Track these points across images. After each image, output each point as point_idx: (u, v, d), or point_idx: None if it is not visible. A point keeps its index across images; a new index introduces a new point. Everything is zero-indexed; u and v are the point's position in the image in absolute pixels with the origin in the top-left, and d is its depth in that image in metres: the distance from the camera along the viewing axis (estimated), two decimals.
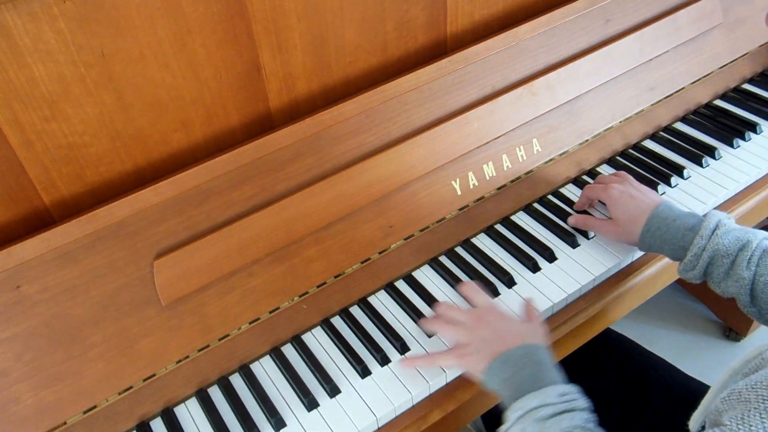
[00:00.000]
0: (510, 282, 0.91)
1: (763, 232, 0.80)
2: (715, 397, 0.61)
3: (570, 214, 1.00)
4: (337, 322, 0.89)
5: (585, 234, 0.97)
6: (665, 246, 0.85)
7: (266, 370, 0.84)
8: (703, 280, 0.83)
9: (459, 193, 0.97)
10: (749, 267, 0.77)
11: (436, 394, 0.81)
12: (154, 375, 0.80)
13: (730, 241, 0.79)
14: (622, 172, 0.98)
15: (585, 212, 1.00)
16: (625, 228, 0.90)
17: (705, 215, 0.83)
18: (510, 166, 1.01)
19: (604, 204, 0.95)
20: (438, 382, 0.81)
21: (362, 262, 0.91)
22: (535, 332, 0.78)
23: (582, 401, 0.69)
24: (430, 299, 0.89)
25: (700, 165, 1.08)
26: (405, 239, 0.94)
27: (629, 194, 0.91)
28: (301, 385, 0.81)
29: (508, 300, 0.89)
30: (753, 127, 1.14)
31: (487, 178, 0.99)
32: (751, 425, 0.52)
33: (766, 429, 0.51)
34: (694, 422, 0.66)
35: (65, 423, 0.76)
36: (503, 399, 0.72)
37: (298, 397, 0.80)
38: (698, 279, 0.83)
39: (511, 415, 0.68)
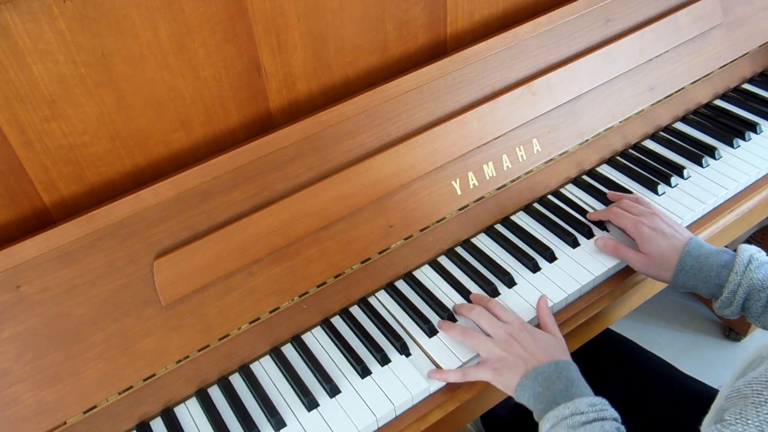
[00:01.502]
0: (510, 282, 0.91)
1: None
2: (720, 399, 0.62)
3: (570, 214, 1.00)
4: (337, 322, 0.89)
5: (585, 234, 0.97)
6: (700, 284, 0.85)
7: (266, 370, 0.84)
8: (741, 315, 0.84)
9: (459, 193, 0.97)
10: None
11: (436, 394, 0.81)
12: (154, 375, 0.80)
13: (764, 275, 0.80)
14: (646, 201, 0.96)
15: (605, 229, 0.98)
16: (657, 264, 0.88)
17: (736, 251, 0.83)
18: (510, 166, 1.01)
19: (628, 234, 0.93)
20: (438, 382, 0.81)
21: (362, 262, 0.91)
22: (562, 347, 0.81)
23: (612, 411, 0.71)
24: (430, 299, 0.89)
25: (700, 165, 1.08)
26: (405, 239, 0.94)
27: (662, 231, 0.88)
28: (301, 385, 0.81)
29: (509, 300, 0.89)
30: (753, 127, 1.14)
31: (487, 178, 0.99)
32: (747, 419, 0.54)
33: (761, 420, 0.53)
34: (705, 426, 0.66)
35: (65, 423, 0.76)
36: (535, 412, 0.74)
37: (298, 397, 0.80)
38: (736, 315, 0.83)
39: (544, 425, 0.71)
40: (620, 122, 1.11)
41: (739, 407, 0.56)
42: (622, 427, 0.70)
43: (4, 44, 0.65)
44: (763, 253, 0.83)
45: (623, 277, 0.94)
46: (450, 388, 0.82)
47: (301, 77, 0.89)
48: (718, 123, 1.16)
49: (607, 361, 1.02)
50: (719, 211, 1.03)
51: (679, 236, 0.88)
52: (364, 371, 0.82)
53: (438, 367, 0.82)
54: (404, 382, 0.80)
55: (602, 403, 0.72)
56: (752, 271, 0.80)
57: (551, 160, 1.05)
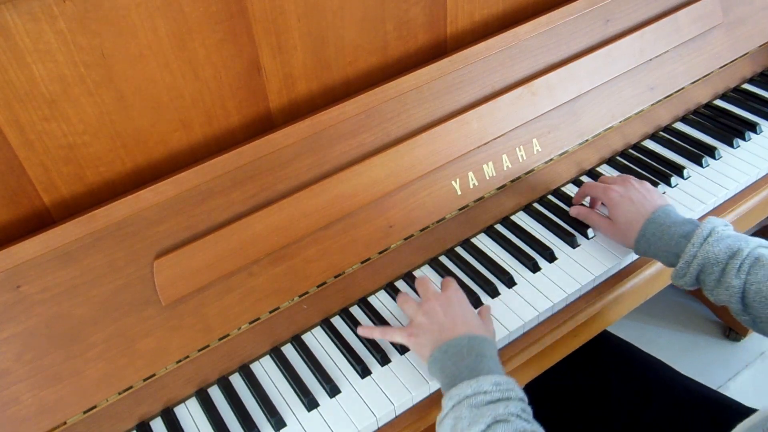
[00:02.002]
0: (510, 282, 0.91)
1: (757, 240, 0.80)
2: None
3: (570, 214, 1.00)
4: (337, 322, 0.89)
5: (585, 234, 0.97)
6: (659, 252, 0.85)
7: (266, 370, 0.84)
8: (697, 287, 0.83)
9: (459, 193, 0.97)
10: (739, 275, 0.77)
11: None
12: (154, 375, 0.80)
13: (720, 249, 0.79)
14: (625, 175, 0.98)
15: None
16: (623, 230, 0.90)
17: (701, 222, 0.83)
18: (510, 166, 1.01)
19: (604, 205, 0.95)
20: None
21: (362, 262, 0.91)
22: (487, 327, 0.79)
23: (518, 392, 0.68)
24: None
25: (700, 165, 1.08)
26: (405, 239, 0.94)
27: (629, 197, 0.90)
28: (301, 385, 0.81)
29: (509, 300, 0.89)
30: (753, 127, 1.14)
31: (487, 178, 0.99)
32: None
33: None
34: None
35: (65, 423, 0.76)
36: (442, 388, 0.72)
37: (298, 397, 0.80)
38: (691, 286, 0.83)
39: (446, 403, 0.69)
40: (620, 122, 1.11)
41: None
42: (529, 408, 0.68)
43: (4, 44, 0.65)
44: (730, 227, 0.82)
45: (623, 277, 0.94)
46: None
47: (301, 77, 0.89)
48: (718, 123, 1.16)
49: (606, 363, 1.02)
50: (719, 211, 1.02)
51: (648, 204, 0.89)
52: (364, 371, 0.82)
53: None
54: (404, 381, 0.80)
55: (508, 382, 0.68)
56: (710, 244, 0.79)
57: (551, 160, 1.05)
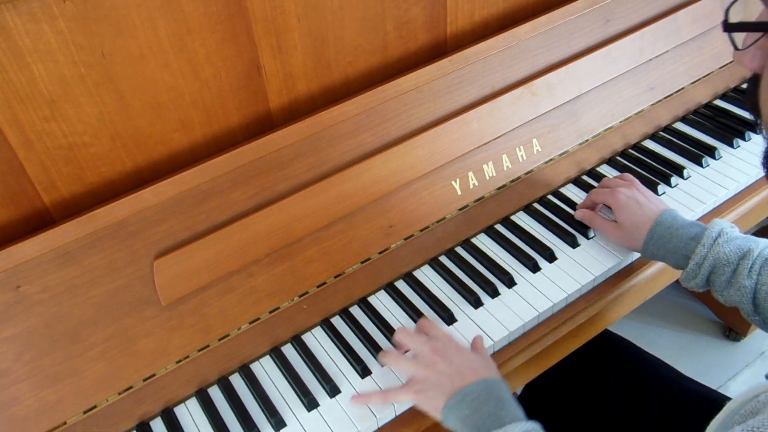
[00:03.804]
0: (510, 282, 0.91)
1: (765, 241, 0.80)
2: None
3: (570, 215, 1.00)
4: (337, 322, 0.89)
5: (585, 234, 0.97)
6: (668, 255, 0.85)
7: (266, 370, 0.84)
8: (706, 288, 0.83)
9: (459, 193, 0.97)
10: (750, 276, 0.77)
11: None
12: (154, 375, 0.80)
13: (731, 250, 0.79)
14: (629, 176, 0.98)
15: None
16: (629, 233, 0.89)
17: (708, 224, 0.83)
18: (510, 166, 1.01)
19: (609, 208, 0.95)
20: None
21: (362, 262, 0.91)
22: (490, 366, 0.75)
23: None
24: (430, 299, 0.89)
25: (700, 165, 1.08)
26: (405, 239, 0.94)
27: (636, 200, 0.90)
28: (301, 385, 0.81)
29: (509, 300, 0.89)
30: (753, 127, 1.14)
31: (487, 178, 0.99)
32: None
33: None
34: None
35: (65, 423, 0.76)
36: None
37: (298, 397, 0.80)
38: (701, 288, 0.83)
39: None
40: (620, 122, 1.11)
41: None
42: None
43: (4, 44, 0.65)
44: (736, 228, 0.82)
45: (623, 277, 0.94)
46: None
47: (301, 77, 0.89)
48: (718, 123, 1.16)
49: (606, 363, 1.02)
50: (719, 211, 1.02)
51: (654, 207, 0.89)
52: (364, 371, 0.82)
53: None
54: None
55: (535, 429, 0.66)
56: (719, 245, 0.79)
57: (551, 160, 1.05)
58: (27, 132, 0.71)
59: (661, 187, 1.04)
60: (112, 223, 0.75)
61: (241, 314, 0.84)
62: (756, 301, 0.77)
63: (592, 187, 1.05)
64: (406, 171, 0.92)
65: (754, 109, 0.55)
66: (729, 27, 0.55)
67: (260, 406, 0.80)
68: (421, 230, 0.95)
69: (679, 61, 1.15)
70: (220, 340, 0.83)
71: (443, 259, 0.95)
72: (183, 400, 0.81)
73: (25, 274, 0.72)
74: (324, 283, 0.89)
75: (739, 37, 0.55)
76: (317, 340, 0.87)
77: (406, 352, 0.80)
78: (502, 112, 0.98)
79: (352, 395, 0.78)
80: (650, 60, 1.11)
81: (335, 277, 0.90)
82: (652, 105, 1.14)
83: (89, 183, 0.79)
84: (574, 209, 1.01)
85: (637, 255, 0.95)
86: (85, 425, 0.77)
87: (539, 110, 1.02)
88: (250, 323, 0.85)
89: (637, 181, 0.95)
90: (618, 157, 1.11)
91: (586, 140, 1.08)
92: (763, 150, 0.58)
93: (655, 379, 0.99)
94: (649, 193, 0.93)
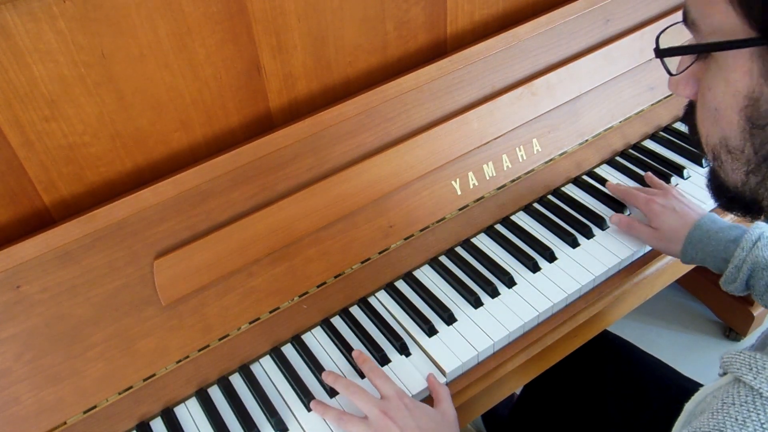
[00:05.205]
0: (510, 282, 0.91)
1: None
2: None
3: (570, 214, 1.00)
4: (337, 322, 0.89)
5: (585, 234, 0.97)
6: (708, 258, 0.85)
7: (266, 370, 0.84)
8: (747, 292, 0.83)
9: (459, 193, 0.97)
10: None
11: None
12: (154, 375, 0.80)
13: None
14: (666, 185, 0.98)
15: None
16: (668, 238, 0.89)
17: (749, 227, 0.83)
18: (510, 166, 1.01)
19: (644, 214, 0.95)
20: (441, 381, 0.81)
21: (362, 262, 0.91)
22: (449, 422, 0.74)
23: None
24: (430, 299, 0.89)
25: (700, 165, 1.08)
26: (405, 239, 0.94)
27: (672, 207, 0.90)
28: (301, 384, 0.81)
29: (509, 300, 0.89)
30: None
31: (487, 178, 0.99)
32: None
33: None
34: None
35: (65, 423, 0.76)
36: None
37: (298, 396, 0.80)
38: (741, 292, 0.83)
39: None
40: (620, 122, 1.11)
41: None
42: None
43: (4, 44, 0.65)
44: None
45: (623, 276, 0.94)
46: (449, 387, 0.81)
47: (301, 77, 0.89)
48: None
49: (604, 364, 1.02)
50: (719, 210, 1.02)
51: (692, 212, 0.89)
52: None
53: (438, 367, 0.82)
54: (403, 381, 0.80)
55: None
56: (759, 249, 0.79)
57: (551, 160, 1.05)
58: (27, 132, 0.71)
59: None
60: (112, 223, 0.75)
61: (241, 314, 0.84)
62: None
63: (592, 187, 1.05)
64: (406, 171, 0.92)
65: (693, 131, 0.54)
66: (660, 53, 0.55)
67: (260, 406, 0.80)
68: (421, 230, 0.95)
69: None
70: (220, 340, 0.83)
71: (443, 259, 0.95)
72: (183, 400, 0.82)
73: (25, 274, 0.72)
74: (324, 283, 0.89)
75: (673, 63, 0.55)
76: (317, 340, 0.87)
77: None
78: (502, 112, 0.98)
79: (312, 401, 0.77)
80: (650, 60, 1.11)
81: (335, 277, 0.90)
82: (652, 105, 1.14)
83: (89, 183, 0.79)
84: (575, 209, 1.01)
85: (637, 255, 0.95)
86: (85, 425, 0.77)
87: (539, 110, 1.02)
88: (250, 323, 0.85)
89: (674, 189, 0.95)
90: (618, 157, 1.11)
91: (586, 140, 1.08)
92: (707, 175, 0.56)
93: (653, 379, 0.99)
94: (687, 199, 0.93)
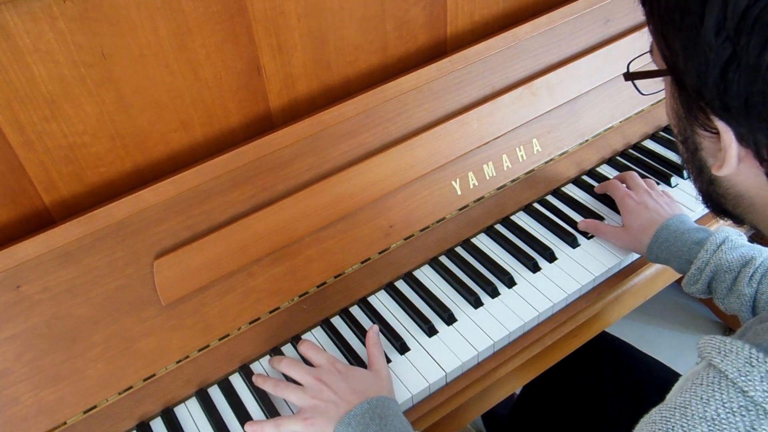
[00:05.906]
0: (510, 282, 0.91)
1: None
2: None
3: (570, 215, 1.00)
4: (337, 322, 0.89)
5: (585, 234, 0.97)
6: (672, 258, 0.85)
7: (266, 370, 0.84)
8: (709, 295, 0.83)
9: (459, 193, 0.97)
10: (751, 284, 0.76)
11: (436, 392, 0.81)
12: (154, 375, 0.80)
13: (734, 257, 0.79)
14: (650, 181, 0.98)
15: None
16: (635, 236, 0.90)
17: (715, 230, 0.83)
18: (510, 166, 1.01)
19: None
20: (438, 383, 0.81)
21: (362, 262, 0.91)
22: (380, 382, 0.76)
23: None
24: (430, 299, 0.89)
25: None
26: (405, 239, 0.94)
27: (644, 204, 0.91)
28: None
29: (509, 300, 0.89)
30: None
31: (487, 178, 0.99)
32: None
33: None
34: None
35: (65, 423, 0.76)
36: None
37: None
38: (702, 294, 0.83)
39: None
40: (620, 122, 1.11)
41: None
42: None
43: (4, 44, 0.65)
44: (744, 237, 0.82)
45: (623, 277, 0.94)
46: (449, 388, 0.82)
47: (301, 77, 0.89)
48: None
49: (603, 365, 1.02)
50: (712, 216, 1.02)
51: (663, 212, 0.90)
52: None
53: (438, 366, 0.82)
54: (404, 381, 0.80)
55: None
56: (723, 252, 0.79)
57: (551, 160, 1.05)
58: (27, 132, 0.71)
59: (661, 187, 1.03)
60: (112, 223, 0.75)
61: (241, 314, 0.84)
62: (755, 310, 0.77)
63: (593, 187, 1.05)
64: (406, 171, 0.92)
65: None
66: (628, 76, 0.63)
67: (260, 407, 0.80)
68: (421, 230, 0.96)
69: None
70: (220, 340, 0.83)
71: (443, 259, 0.95)
72: (183, 400, 0.82)
73: (25, 274, 0.72)
74: (324, 283, 0.89)
75: (647, 86, 0.64)
76: (317, 340, 0.87)
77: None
78: (502, 112, 0.98)
79: (247, 423, 0.77)
80: (650, 60, 1.11)
81: (335, 277, 0.90)
82: (653, 105, 1.14)
83: (89, 183, 0.79)
84: (575, 209, 1.01)
85: (637, 255, 0.95)
86: (85, 425, 0.77)
87: (539, 110, 1.02)
88: (250, 323, 0.85)
89: (655, 186, 0.96)
90: (618, 157, 1.11)
91: (587, 140, 1.08)
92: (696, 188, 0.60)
93: (652, 380, 0.99)
94: (664, 198, 0.93)
